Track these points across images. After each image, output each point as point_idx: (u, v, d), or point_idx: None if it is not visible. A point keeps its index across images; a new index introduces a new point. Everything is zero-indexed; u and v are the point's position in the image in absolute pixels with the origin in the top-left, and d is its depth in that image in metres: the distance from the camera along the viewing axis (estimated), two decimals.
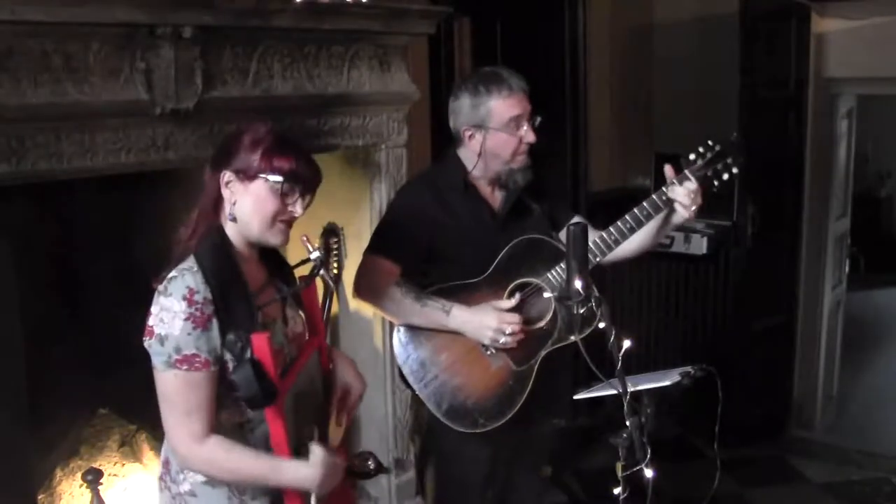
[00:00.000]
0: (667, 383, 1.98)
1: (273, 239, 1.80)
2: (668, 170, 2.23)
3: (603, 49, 4.67)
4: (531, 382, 2.27)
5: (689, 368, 2.02)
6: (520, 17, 4.42)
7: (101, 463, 2.75)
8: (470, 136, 2.33)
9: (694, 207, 2.19)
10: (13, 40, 2.06)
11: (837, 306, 4.85)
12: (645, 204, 2.24)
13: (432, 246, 2.30)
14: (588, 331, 1.93)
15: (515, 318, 2.24)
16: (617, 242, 2.25)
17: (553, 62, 4.50)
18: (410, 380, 2.29)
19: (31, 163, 2.14)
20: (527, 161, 2.33)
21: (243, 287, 1.74)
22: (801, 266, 4.61)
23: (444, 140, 2.58)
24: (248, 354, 1.67)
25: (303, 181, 1.79)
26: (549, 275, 2.28)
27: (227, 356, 1.70)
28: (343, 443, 2.05)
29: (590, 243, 2.15)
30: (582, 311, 1.72)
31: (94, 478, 2.55)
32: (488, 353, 2.27)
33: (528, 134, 2.29)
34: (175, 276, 1.69)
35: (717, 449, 2.20)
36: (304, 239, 1.85)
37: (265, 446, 1.75)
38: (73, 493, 2.69)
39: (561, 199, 2.52)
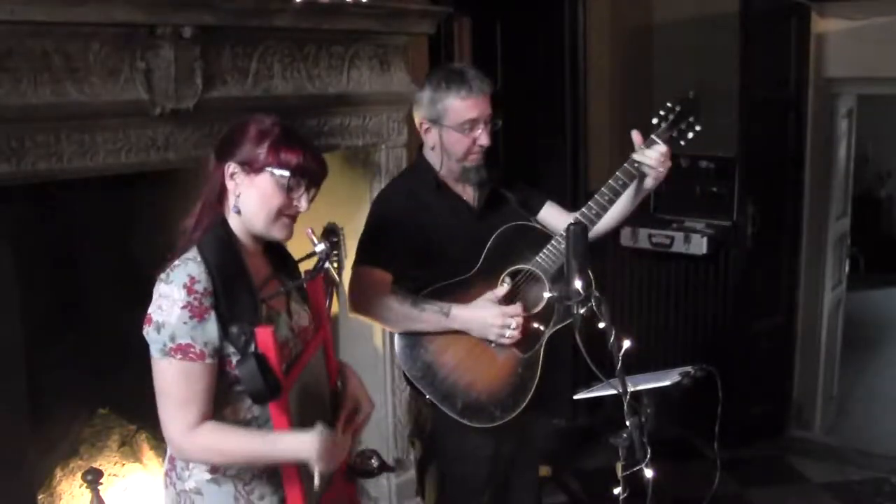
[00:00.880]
0: (667, 383, 1.98)
1: (277, 233, 1.78)
2: (636, 136, 2.26)
3: (603, 49, 4.66)
4: (540, 367, 2.28)
5: (689, 368, 2.01)
6: (520, 17, 4.41)
7: (101, 463, 2.75)
8: (426, 130, 2.34)
9: (662, 170, 2.22)
10: (13, 40, 2.06)
11: (837, 306, 4.84)
12: (619, 174, 2.25)
13: (418, 248, 2.29)
14: (587, 306, 1.90)
15: (516, 309, 2.24)
16: (598, 216, 2.26)
17: (553, 62, 4.49)
18: (420, 385, 2.27)
19: (31, 163, 2.14)
20: (480, 160, 2.33)
21: (247, 279, 1.71)
22: (800, 266, 4.59)
23: None
24: (252, 348, 1.64)
25: (309, 175, 1.76)
26: (537, 258, 2.28)
27: (231, 350, 1.67)
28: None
29: (571, 218, 2.19)
30: (582, 311, 1.72)
31: (94, 478, 2.56)
32: (492, 345, 2.27)
33: (482, 137, 2.29)
34: (178, 265, 1.67)
35: (717, 449, 2.21)
36: (309, 231, 1.82)
37: None
38: (73, 493, 2.69)
39: (530, 185, 2.53)
